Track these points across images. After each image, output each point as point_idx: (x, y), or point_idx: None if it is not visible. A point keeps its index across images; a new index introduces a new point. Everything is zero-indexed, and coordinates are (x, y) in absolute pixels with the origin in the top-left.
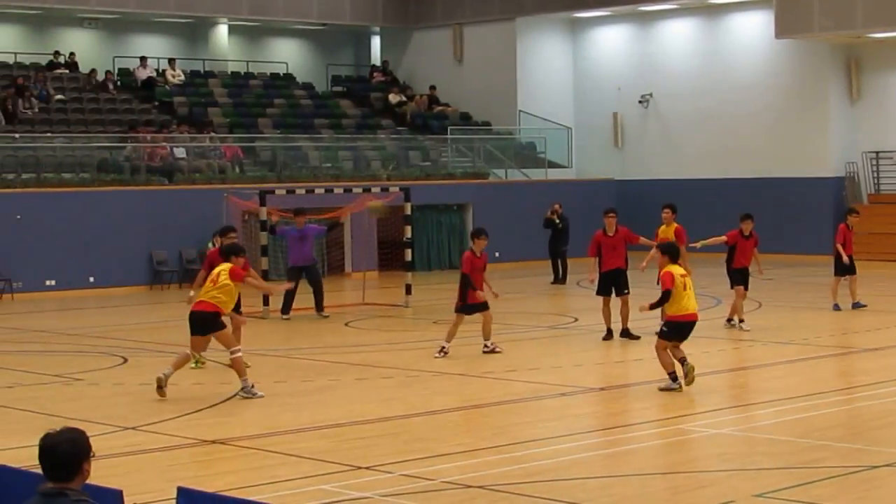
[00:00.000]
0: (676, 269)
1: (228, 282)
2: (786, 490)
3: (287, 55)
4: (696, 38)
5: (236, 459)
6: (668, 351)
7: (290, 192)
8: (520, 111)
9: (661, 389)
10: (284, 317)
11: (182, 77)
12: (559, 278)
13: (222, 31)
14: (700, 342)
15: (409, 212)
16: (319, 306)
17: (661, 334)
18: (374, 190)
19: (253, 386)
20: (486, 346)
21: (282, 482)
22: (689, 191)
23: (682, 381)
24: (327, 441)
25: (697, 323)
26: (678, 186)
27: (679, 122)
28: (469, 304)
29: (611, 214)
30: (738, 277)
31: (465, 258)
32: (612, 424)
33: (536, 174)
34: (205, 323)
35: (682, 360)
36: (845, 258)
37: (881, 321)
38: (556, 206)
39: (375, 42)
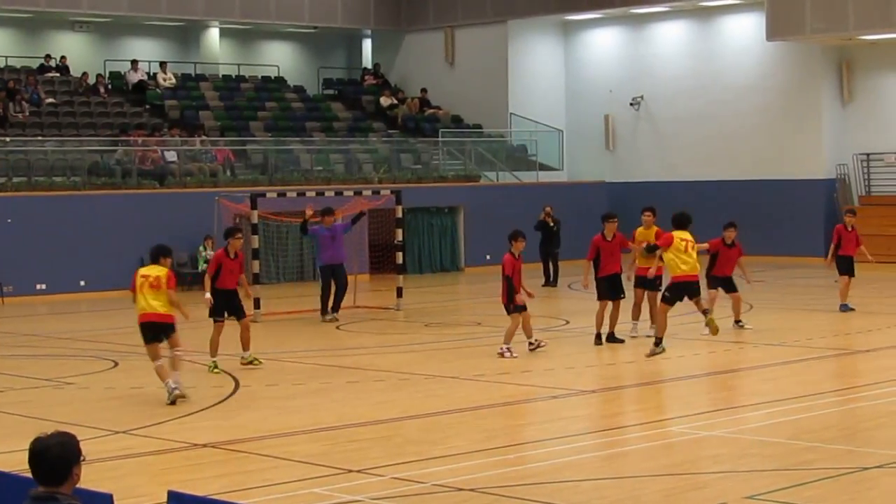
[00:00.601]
0: (679, 233)
1: (168, 289)
2: (778, 492)
3: (278, 58)
4: (687, 40)
5: (228, 463)
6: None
7: (282, 194)
8: (511, 114)
9: (648, 356)
10: (327, 318)
11: (173, 80)
12: (550, 281)
13: (213, 34)
14: (692, 344)
15: (400, 215)
16: (337, 307)
17: (663, 299)
18: (365, 193)
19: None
20: (530, 343)
21: (273, 486)
22: (681, 193)
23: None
24: (319, 444)
25: (692, 322)
26: (670, 188)
27: (670, 125)
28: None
29: (612, 220)
30: (717, 282)
31: (507, 261)
32: (604, 427)
33: (528, 177)
34: (165, 330)
35: (705, 312)
36: (827, 261)
37: (873, 323)
38: (548, 209)
39: (367, 45)
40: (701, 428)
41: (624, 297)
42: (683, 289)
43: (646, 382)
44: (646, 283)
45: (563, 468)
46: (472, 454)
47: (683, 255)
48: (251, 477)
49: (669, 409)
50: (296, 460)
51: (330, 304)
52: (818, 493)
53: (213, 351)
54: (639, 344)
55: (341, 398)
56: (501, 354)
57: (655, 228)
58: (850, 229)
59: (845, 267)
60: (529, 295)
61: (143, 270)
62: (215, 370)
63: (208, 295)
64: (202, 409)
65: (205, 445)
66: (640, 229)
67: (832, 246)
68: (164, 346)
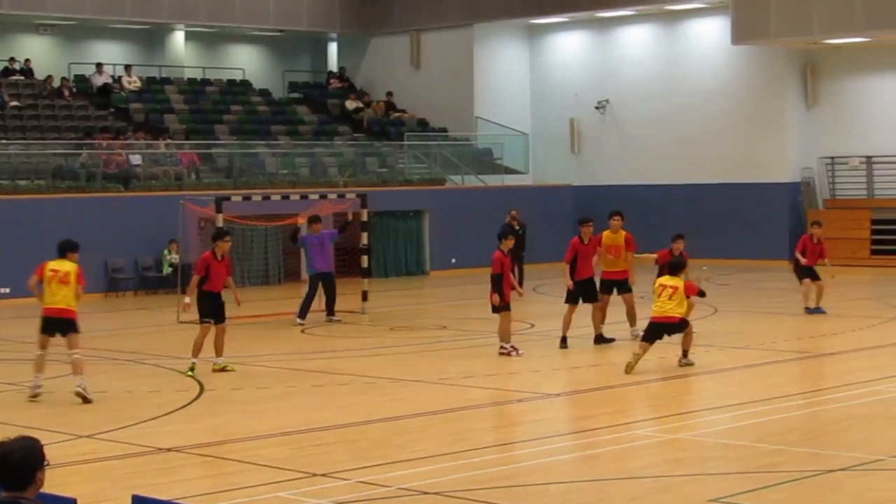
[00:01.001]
0: (663, 279)
1: (77, 285)
2: (742, 495)
3: (244, 61)
4: (653, 44)
5: (193, 467)
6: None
7: (247, 198)
8: (477, 117)
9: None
10: (300, 321)
11: (138, 83)
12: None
13: (179, 37)
14: (656, 348)
15: (365, 218)
16: (332, 310)
17: (642, 337)
18: (330, 196)
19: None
20: (502, 347)
21: (238, 490)
22: (646, 196)
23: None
24: (284, 448)
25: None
26: (635, 192)
27: (636, 128)
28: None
29: (588, 223)
30: None
31: (497, 258)
32: (569, 430)
33: (493, 180)
34: (64, 326)
35: (685, 354)
36: (802, 260)
37: (838, 326)
38: (514, 212)
39: (332, 48)
40: (666, 431)
41: (599, 301)
42: (657, 329)
43: (611, 386)
44: (612, 286)
45: (528, 472)
46: (438, 458)
47: (658, 299)
48: (216, 481)
49: (635, 412)
50: (261, 464)
51: (309, 308)
52: (783, 496)
53: (196, 352)
54: (605, 347)
55: (306, 402)
56: (507, 353)
57: (623, 233)
58: (815, 241)
59: (806, 272)
60: (519, 293)
61: (52, 264)
62: (190, 373)
63: (188, 300)
64: (167, 413)
65: (169, 450)
66: (606, 233)
67: (798, 253)
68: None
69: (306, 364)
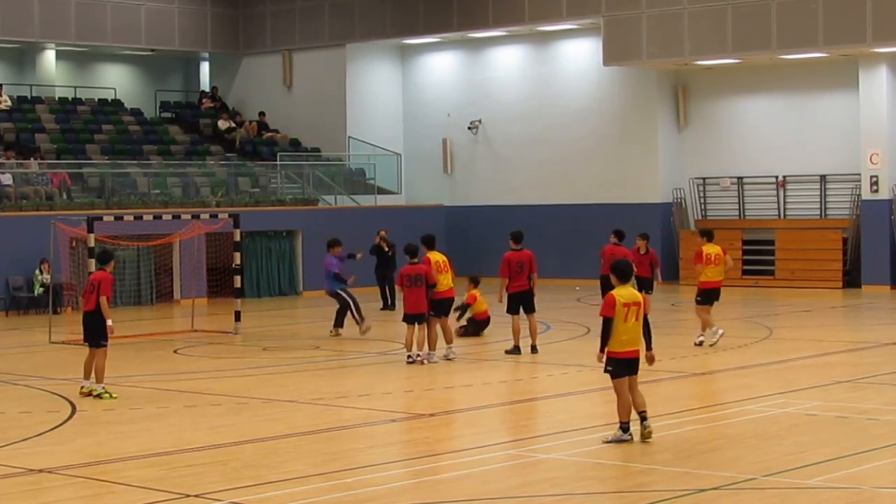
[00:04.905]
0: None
1: None
2: None
3: (115, 81)
4: (525, 64)
5: (64, 488)
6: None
7: (119, 218)
8: (349, 137)
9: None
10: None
11: (9, 103)
12: (388, 305)
13: (50, 56)
14: (531, 367)
15: (238, 238)
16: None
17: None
18: (203, 216)
19: None
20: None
21: None
22: (519, 216)
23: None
24: (156, 469)
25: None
26: (507, 212)
27: (508, 148)
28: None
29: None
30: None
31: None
32: (442, 450)
33: (366, 200)
34: None
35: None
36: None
37: (709, 345)
38: (383, 233)
39: (204, 68)
40: (537, 451)
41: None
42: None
43: (482, 406)
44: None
45: (400, 492)
46: (310, 478)
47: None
48: (87, 502)
49: (505, 432)
50: (132, 485)
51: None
52: None
53: (101, 376)
54: (480, 366)
55: (179, 422)
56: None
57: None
58: (643, 252)
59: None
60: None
61: None
62: (108, 396)
63: (111, 322)
64: (38, 434)
65: (41, 471)
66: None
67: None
68: None
69: (179, 384)
